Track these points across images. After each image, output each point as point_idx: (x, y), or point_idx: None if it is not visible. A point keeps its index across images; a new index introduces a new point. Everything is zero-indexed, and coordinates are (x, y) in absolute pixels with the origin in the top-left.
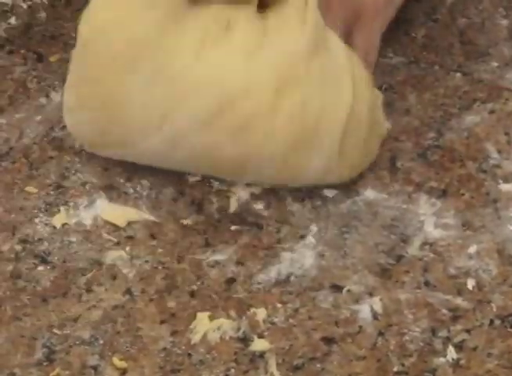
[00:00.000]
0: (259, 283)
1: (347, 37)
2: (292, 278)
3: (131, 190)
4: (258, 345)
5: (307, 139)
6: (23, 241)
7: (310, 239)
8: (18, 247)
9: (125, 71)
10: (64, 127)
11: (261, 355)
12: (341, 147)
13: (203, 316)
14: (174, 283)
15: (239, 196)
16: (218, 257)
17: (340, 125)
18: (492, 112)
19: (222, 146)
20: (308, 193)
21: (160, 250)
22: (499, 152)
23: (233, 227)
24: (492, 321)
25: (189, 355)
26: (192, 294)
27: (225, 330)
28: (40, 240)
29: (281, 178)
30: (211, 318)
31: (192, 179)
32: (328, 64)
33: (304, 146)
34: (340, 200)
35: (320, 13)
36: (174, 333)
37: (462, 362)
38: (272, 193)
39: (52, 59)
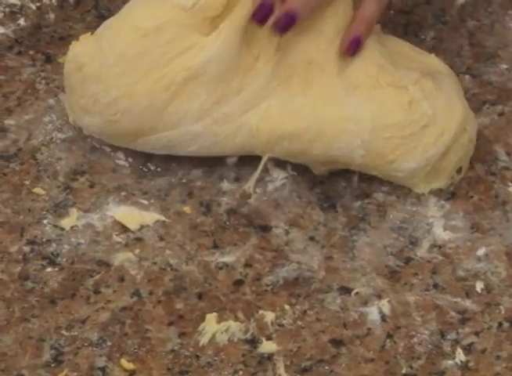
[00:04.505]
0: (267, 285)
1: None
2: (300, 280)
3: (140, 192)
4: (266, 347)
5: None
6: (32, 243)
7: (318, 241)
8: (26, 249)
9: None
10: (73, 128)
11: (269, 357)
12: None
13: (211, 318)
14: (182, 284)
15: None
16: (227, 259)
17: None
18: (501, 114)
19: None
20: (316, 195)
21: (168, 251)
22: (508, 154)
23: (242, 229)
24: (500, 324)
25: (197, 357)
26: (200, 296)
27: (233, 332)
28: (48, 241)
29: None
30: (219, 320)
31: (198, 183)
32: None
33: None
34: (349, 202)
35: None
36: (182, 335)
37: (470, 364)
38: (280, 195)
39: (61, 60)
